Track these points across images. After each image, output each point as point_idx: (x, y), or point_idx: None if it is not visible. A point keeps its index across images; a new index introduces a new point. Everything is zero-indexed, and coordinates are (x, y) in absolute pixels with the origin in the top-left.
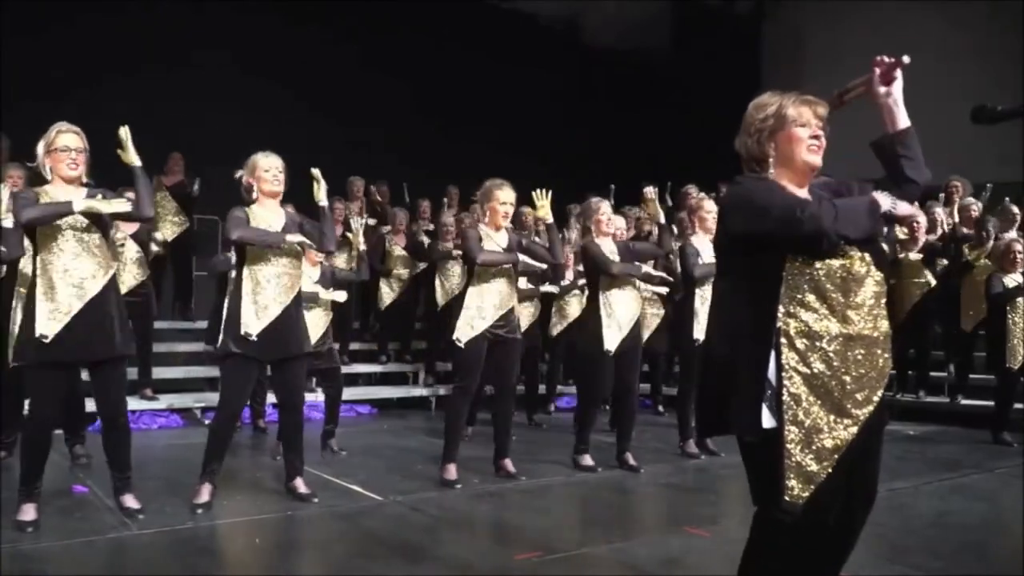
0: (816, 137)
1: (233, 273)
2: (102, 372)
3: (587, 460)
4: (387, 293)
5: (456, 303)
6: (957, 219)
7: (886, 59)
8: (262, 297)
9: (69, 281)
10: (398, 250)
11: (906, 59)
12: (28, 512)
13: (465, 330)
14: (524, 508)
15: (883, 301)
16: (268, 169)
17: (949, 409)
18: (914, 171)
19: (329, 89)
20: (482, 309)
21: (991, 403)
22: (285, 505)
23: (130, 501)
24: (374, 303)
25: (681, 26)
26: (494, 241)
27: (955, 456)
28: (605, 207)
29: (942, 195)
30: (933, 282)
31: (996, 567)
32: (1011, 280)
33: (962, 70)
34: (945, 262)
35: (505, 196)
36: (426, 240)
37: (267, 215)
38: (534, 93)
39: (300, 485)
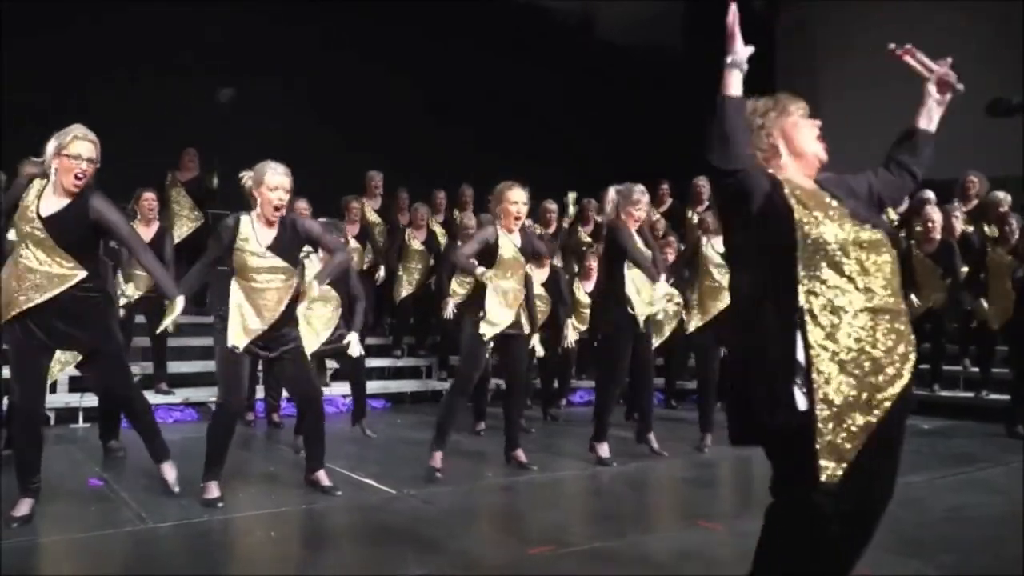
0: (816, 126)
1: None
2: (97, 364)
3: (604, 451)
4: (405, 287)
5: (470, 300)
6: (968, 215)
7: (954, 76)
8: (248, 311)
9: (30, 280)
10: (416, 244)
11: (961, 88)
12: (23, 507)
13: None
14: (537, 502)
15: (898, 277)
16: (275, 188)
17: (963, 403)
18: (922, 169)
19: (341, 85)
20: (494, 311)
21: (1007, 397)
22: (300, 499)
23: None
24: (389, 297)
25: (694, 21)
26: (511, 243)
27: (969, 450)
28: (645, 202)
29: (926, 201)
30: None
31: (1011, 561)
32: None
33: (977, 66)
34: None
35: (516, 196)
36: (439, 230)
37: (262, 230)
38: (546, 87)
39: (323, 478)
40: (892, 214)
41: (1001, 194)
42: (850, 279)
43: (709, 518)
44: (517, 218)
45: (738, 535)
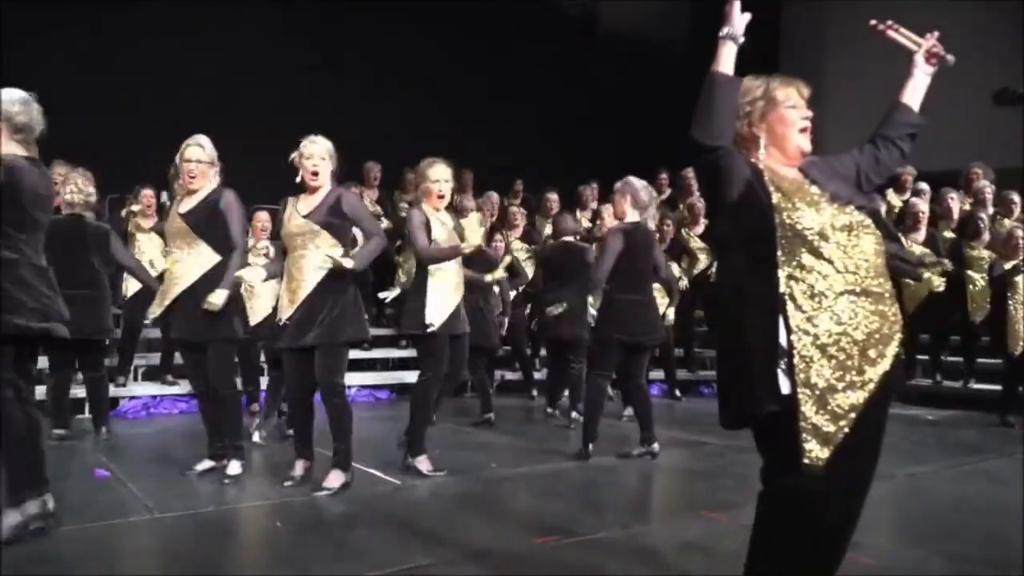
0: (805, 118)
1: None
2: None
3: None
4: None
5: (412, 292)
6: (970, 203)
7: (940, 48)
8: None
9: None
10: None
11: (951, 59)
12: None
13: (435, 316)
14: (542, 493)
15: (882, 260)
16: (310, 157)
17: (967, 394)
18: (909, 145)
19: (341, 81)
20: (444, 300)
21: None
22: (306, 488)
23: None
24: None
25: (700, 12)
26: (439, 222)
27: (973, 441)
28: (628, 190)
29: (918, 192)
30: (936, 281)
31: (1015, 552)
32: (1011, 266)
33: (981, 62)
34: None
35: (437, 174)
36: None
37: (303, 203)
38: (550, 80)
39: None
40: (899, 202)
41: (984, 183)
42: (830, 262)
43: (713, 509)
44: (440, 196)
45: (741, 526)
